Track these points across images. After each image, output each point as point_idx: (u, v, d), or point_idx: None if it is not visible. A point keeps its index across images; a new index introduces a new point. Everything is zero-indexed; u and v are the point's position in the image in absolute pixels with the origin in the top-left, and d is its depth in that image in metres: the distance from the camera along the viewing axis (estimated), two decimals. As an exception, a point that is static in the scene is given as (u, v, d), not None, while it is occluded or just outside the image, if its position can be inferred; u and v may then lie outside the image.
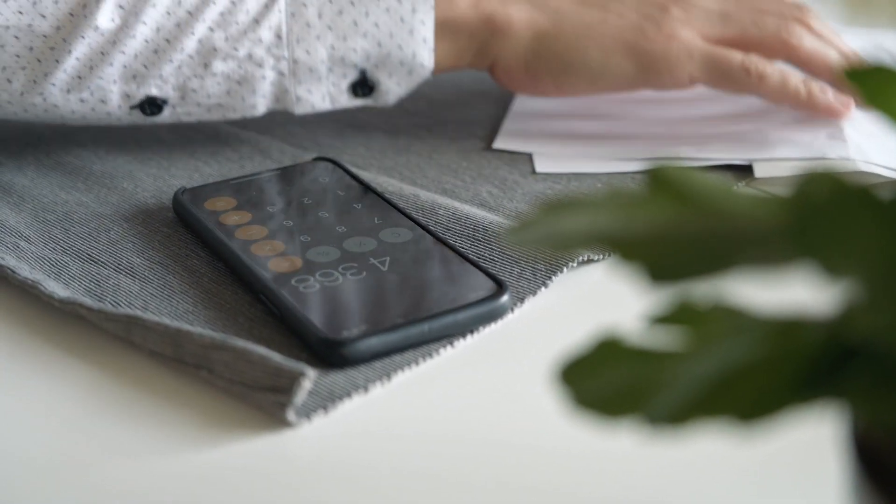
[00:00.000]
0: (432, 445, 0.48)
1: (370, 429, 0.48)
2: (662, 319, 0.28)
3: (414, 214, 0.61)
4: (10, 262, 0.58)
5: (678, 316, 0.28)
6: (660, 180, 0.30)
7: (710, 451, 0.40)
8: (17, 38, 0.63)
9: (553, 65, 0.70)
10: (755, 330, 0.28)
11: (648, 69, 0.69)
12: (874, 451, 0.29)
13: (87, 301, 0.54)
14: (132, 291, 0.56)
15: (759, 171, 0.67)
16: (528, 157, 0.70)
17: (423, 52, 0.68)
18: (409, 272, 0.56)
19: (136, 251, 0.60)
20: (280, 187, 0.64)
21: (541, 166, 0.69)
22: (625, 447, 0.39)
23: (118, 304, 0.55)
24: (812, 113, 0.70)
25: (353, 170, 0.66)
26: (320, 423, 0.48)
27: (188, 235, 0.61)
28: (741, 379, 0.27)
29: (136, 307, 0.55)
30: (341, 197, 0.63)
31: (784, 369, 0.27)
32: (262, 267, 0.56)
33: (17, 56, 0.64)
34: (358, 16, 0.67)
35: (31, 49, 0.64)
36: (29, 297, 0.57)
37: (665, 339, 0.28)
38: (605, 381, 0.27)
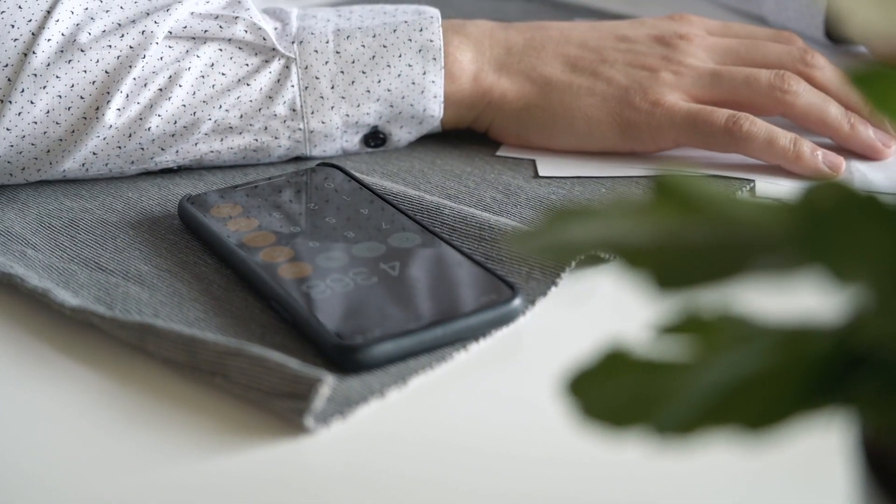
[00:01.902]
0: (450, 450, 0.48)
1: (388, 433, 0.48)
2: (670, 329, 0.28)
3: (421, 218, 0.61)
4: (19, 270, 0.58)
5: (686, 325, 0.28)
6: (666, 187, 0.30)
7: (719, 460, 0.40)
8: (33, 144, 0.65)
9: (541, 132, 0.71)
10: (763, 338, 0.28)
11: (633, 138, 0.70)
12: (883, 458, 0.29)
13: (100, 309, 0.54)
14: (142, 299, 0.56)
15: (760, 188, 0.67)
16: (532, 163, 0.71)
17: (433, 105, 0.70)
18: (420, 276, 0.56)
19: (143, 259, 0.60)
20: (286, 193, 0.64)
21: (544, 170, 0.69)
22: (636, 456, 0.39)
23: (128, 311, 0.55)
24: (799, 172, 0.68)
25: (358, 175, 0.66)
26: (338, 429, 0.48)
27: (194, 243, 0.61)
28: (749, 388, 0.27)
29: (146, 315, 0.55)
30: (347, 202, 0.63)
31: (792, 378, 0.27)
32: (272, 273, 0.56)
33: (36, 159, 0.66)
34: (370, 84, 0.69)
35: (47, 152, 0.66)
36: (37, 305, 0.57)
37: (673, 349, 0.28)
38: (612, 391, 0.27)
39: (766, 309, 0.30)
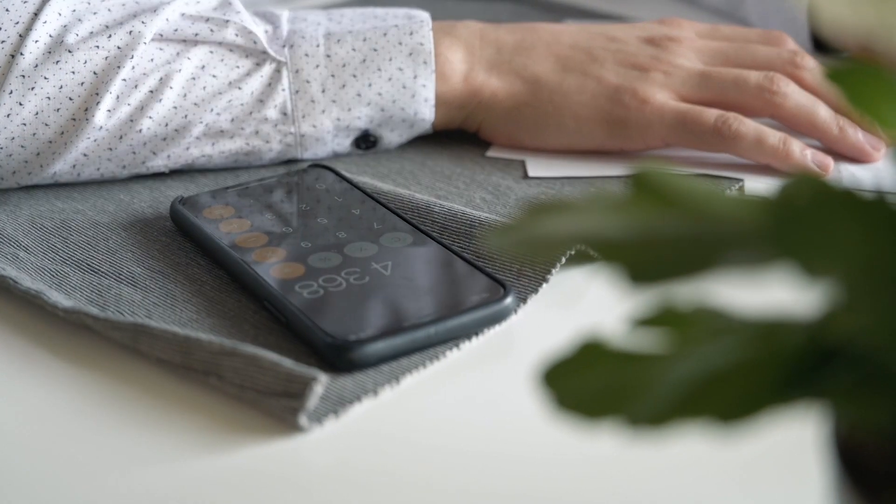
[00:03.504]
0: (442, 448, 0.48)
1: (381, 432, 0.49)
2: (645, 321, 0.28)
3: (411, 217, 0.62)
4: (12, 272, 0.58)
5: (661, 318, 0.28)
6: (643, 182, 0.30)
7: (692, 452, 0.40)
8: (23, 147, 0.65)
9: (531, 131, 0.72)
10: (737, 332, 0.28)
11: (622, 136, 0.70)
12: (856, 452, 0.29)
13: (93, 310, 0.55)
14: (135, 301, 0.57)
15: (749, 187, 0.67)
16: (522, 164, 0.71)
17: (424, 109, 0.70)
18: (412, 276, 0.56)
19: (135, 260, 0.60)
20: (277, 195, 0.65)
21: (533, 170, 0.70)
22: (634, 454, 0.39)
23: (122, 313, 0.55)
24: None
25: (349, 175, 0.67)
26: (331, 428, 0.48)
27: (187, 244, 0.62)
28: (723, 380, 0.27)
29: (139, 316, 0.55)
30: (339, 203, 0.63)
31: (766, 371, 0.27)
32: (265, 274, 0.56)
33: (26, 162, 0.66)
34: (361, 87, 0.69)
35: (37, 154, 0.66)
36: (30, 308, 0.57)
37: (647, 341, 0.28)
38: (587, 382, 0.27)
39: (740, 303, 0.30)
